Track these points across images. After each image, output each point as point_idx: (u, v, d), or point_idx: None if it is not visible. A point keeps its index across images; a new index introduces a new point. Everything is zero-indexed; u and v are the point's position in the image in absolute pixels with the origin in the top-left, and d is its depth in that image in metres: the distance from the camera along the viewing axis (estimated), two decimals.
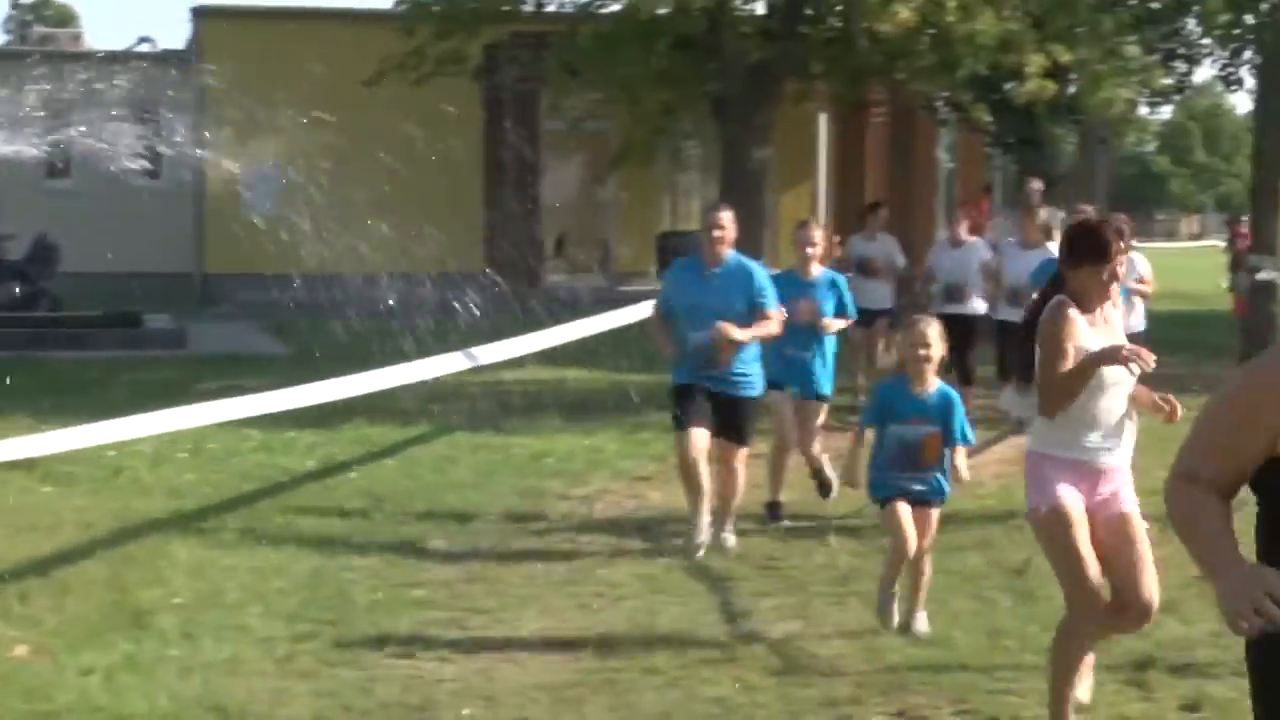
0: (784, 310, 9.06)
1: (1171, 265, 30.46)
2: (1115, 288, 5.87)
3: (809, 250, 9.91)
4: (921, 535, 7.13)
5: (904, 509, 7.08)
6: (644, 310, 11.11)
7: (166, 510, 9.88)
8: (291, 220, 13.86)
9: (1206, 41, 27.37)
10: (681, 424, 8.59)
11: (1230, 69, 28.85)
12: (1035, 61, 16.33)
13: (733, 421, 8.73)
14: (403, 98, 18.91)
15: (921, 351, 7.05)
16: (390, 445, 12.31)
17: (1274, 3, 16.52)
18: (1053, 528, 5.65)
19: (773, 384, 9.41)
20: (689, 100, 18.11)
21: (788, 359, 9.65)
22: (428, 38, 17.79)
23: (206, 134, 17.17)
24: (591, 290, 22.13)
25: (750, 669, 6.64)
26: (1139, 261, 11.51)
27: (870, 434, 7.46)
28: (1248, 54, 24.80)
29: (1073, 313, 5.68)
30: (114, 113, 15.39)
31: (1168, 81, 27.35)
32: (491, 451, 12.20)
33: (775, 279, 9.45)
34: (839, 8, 16.26)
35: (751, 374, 8.84)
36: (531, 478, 11.16)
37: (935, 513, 7.29)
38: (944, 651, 6.82)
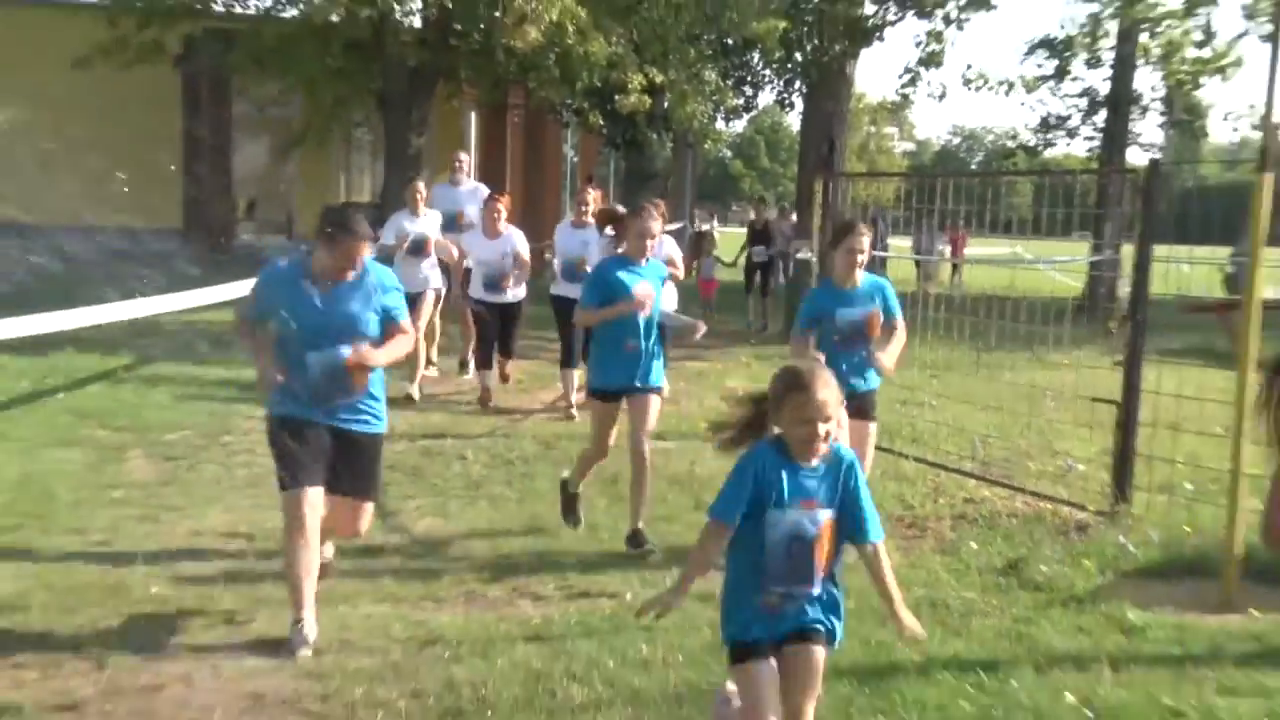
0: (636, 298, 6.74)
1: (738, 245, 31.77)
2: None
3: (649, 242, 6.78)
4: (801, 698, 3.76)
5: (765, 671, 3.70)
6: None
7: None
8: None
9: (767, 72, 28.69)
10: (296, 480, 5.24)
11: (784, 95, 30.25)
12: (636, 79, 16.75)
13: (357, 467, 5.49)
14: (110, 80, 17.73)
15: (822, 428, 3.69)
16: (96, 373, 11.62)
17: (814, 45, 17.41)
18: None
19: (603, 391, 6.92)
20: (359, 94, 17.83)
21: (626, 355, 6.83)
22: (130, 28, 16.83)
23: None
24: (277, 248, 21.38)
25: (396, 557, 6.62)
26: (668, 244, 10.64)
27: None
28: (798, 84, 26.03)
29: None
30: None
31: (738, 102, 28.44)
32: (187, 379, 11.69)
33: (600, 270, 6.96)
34: (481, 26, 16.22)
35: (380, 406, 5.57)
36: (221, 401, 10.77)
37: (821, 653, 3.81)
38: (552, 541, 6.91)
